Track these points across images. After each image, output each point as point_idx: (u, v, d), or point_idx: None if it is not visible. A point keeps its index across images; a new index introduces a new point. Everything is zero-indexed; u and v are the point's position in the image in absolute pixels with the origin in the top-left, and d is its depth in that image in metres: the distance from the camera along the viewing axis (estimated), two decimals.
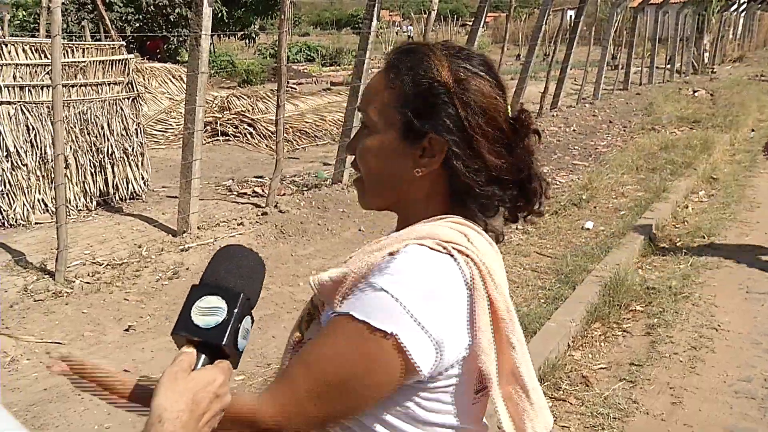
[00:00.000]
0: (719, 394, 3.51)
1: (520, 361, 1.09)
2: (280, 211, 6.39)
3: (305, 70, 19.75)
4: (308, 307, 1.19)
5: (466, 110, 1.08)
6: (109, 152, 6.64)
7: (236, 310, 0.92)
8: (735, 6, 26.02)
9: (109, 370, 1.08)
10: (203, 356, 0.91)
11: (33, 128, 6.11)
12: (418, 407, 1.06)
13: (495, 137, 1.10)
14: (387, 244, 1.09)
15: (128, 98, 6.87)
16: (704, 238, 6.01)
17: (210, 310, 0.91)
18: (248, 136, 10.15)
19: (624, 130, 11.63)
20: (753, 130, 11.79)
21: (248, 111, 10.60)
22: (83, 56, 6.49)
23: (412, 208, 1.15)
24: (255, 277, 0.98)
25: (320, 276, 1.12)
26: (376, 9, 7.10)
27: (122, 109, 6.79)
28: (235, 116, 10.46)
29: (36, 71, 6.19)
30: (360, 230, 6.06)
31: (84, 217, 6.30)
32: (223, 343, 0.91)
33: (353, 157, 1.18)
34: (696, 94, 15.92)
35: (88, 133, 6.48)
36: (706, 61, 22.90)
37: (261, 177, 7.79)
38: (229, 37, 23.68)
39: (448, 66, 1.09)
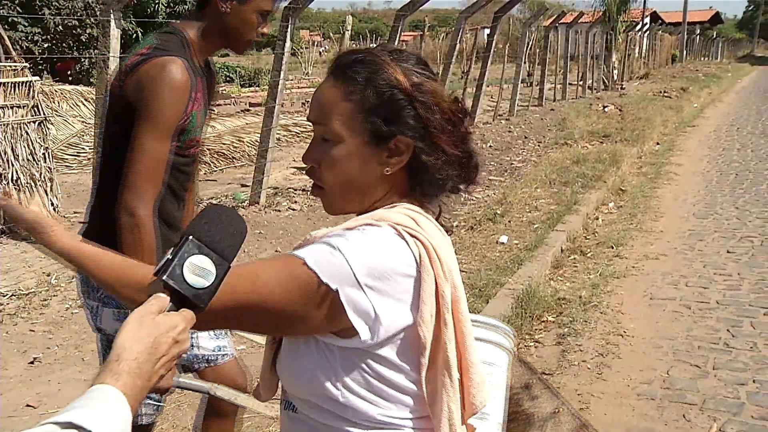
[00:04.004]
0: (623, 397, 3.65)
1: (449, 338, 1.18)
2: None
3: (224, 92, 19.53)
4: None
5: (426, 111, 1.19)
6: (14, 178, 6.38)
7: (223, 279, 1.03)
8: (639, 26, 27.33)
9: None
10: (171, 303, 0.99)
11: None
12: (371, 374, 1.14)
13: (449, 130, 1.22)
14: (343, 225, 1.18)
15: (34, 122, 6.65)
16: (612, 248, 6.25)
17: (202, 271, 1.00)
18: None
19: (539, 145, 11.98)
20: (658, 144, 12.38)
21: None
22: None
23: (376, 205, 1.24)
24: (239, 245, 1.07)
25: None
26: (289, 30, 7.12)
27: (28, 134, 6.55)
28: None
29: None
30: (276, 251, 6.01)
31: None
32: (203, 306, 1.01)
33: (312, 166, 1.25)
34: (606, 109, 16.55)
35: None
36: (615, 77, 23.91)
37: None
38: None
39: (402, 72, 1.19)
